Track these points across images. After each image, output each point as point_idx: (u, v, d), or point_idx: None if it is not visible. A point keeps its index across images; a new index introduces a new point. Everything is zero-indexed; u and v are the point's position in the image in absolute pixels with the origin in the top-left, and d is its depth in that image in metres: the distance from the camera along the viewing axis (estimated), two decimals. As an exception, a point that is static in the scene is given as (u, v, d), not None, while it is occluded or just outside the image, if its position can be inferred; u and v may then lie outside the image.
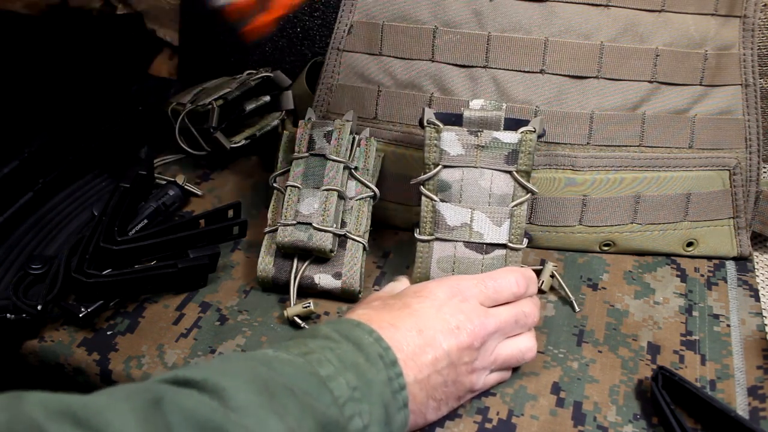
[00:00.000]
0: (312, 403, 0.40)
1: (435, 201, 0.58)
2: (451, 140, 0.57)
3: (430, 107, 0.62)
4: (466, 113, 0.58)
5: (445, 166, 0.57)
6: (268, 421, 0.37)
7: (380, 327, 0.48)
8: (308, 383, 0.41)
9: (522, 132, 0.57)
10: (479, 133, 0.57)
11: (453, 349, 0.48)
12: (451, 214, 0.57)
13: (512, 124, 0.58)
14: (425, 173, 0.58)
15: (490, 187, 0.57)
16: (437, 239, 0.58)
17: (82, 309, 0.58)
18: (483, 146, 0.57)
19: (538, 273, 0.63)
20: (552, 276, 0.64)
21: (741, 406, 0.53)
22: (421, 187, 0.58)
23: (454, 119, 0.58)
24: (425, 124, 0.58)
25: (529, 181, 0.57)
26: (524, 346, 0.54)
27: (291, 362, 0.43)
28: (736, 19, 0.66)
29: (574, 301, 0.62)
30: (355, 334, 0.46)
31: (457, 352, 0.49)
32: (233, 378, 0.38)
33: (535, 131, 0.57)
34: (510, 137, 0.57)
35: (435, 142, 0.57)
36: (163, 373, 0.40)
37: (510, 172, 0.57)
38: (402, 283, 0.58)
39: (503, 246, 0.58)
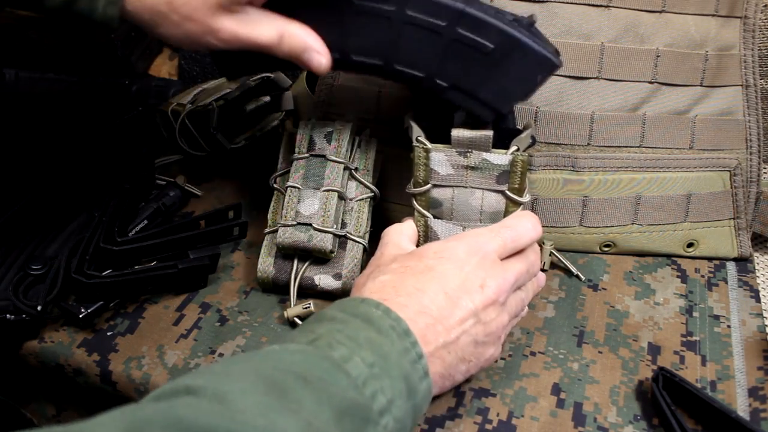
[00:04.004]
0: (328, 389, 0.38)
1: (428, 217, 0.57)
2: (440, 161, 0.55)
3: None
4: (454, 133, 0.55)
5: (435, 185, 0.56)
6: (280, 420, 0.34)
7: (407, 293, 0.47)
8: (321, 369, 0.39)
9: (513, 153, 0.54)
10: (468, 154, 0.55)
11: (479, 307, 0.48)
12: (443, 230, 0.57)
13: (503, 135, 0.55)
14: (416, 188, 0.57)
15: (481, 205, 0.56)
16: None
17: (82, 310, 0.58)
18: (473, 167, 0.55)
19: None
20: (550, 254, 0.65)
21: (741, 407, 0.53)
22: (414, 202, 0.57)
23: (441, 128, 0.56)
24: (414, 143, 0.56)
25: (522, 194, 0.56)
26: (530, 290, 0.55)
27: (300, 351, 0.41)
28: (737, 20, 0.66)
29: (579, 273, 0.65)
30: (362, 310, 0.45)
31: (484, 310, 0.49)
32: (236, 381, 0.36)
33: (527, 154, 0.55)
34: (500, 159, 0.54)
35: (424, 161, 0.55)
36: (159, 388, 0.37)
37: (501, 191, 0.55)
38: (408, 226, 0.57)
39: None
